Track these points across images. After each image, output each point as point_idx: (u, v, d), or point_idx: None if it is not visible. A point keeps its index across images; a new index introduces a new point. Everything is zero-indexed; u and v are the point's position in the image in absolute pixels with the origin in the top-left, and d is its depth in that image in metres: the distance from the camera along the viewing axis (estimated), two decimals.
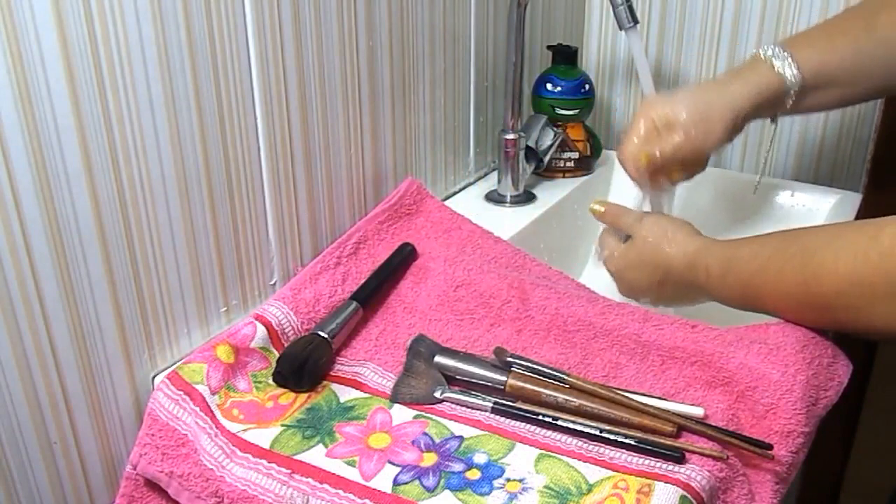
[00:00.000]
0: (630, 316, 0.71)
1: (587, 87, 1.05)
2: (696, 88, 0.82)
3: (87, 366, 0.61)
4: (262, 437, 0.61)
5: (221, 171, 0.67)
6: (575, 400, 0.63)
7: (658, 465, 0.58)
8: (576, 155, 1.06)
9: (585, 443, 0.60)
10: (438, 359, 0.68)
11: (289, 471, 0.58)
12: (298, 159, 0.74)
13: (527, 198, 1.00)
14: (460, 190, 1.02)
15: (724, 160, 1.17)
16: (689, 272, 0.73)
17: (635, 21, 0.88)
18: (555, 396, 0.63)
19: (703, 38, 1.14)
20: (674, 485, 0.55)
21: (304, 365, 0.66)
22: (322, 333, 0.68)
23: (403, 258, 0.79)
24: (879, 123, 1.07)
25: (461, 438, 0.61)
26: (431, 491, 0.56)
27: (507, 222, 0.94)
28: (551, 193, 1.02)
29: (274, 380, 0.67)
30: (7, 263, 0.54)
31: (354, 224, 0.82)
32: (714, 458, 0.58)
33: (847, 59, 0.78)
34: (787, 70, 0.78)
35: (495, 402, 0.64)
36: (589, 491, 0.56)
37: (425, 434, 0.62)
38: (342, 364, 0.70)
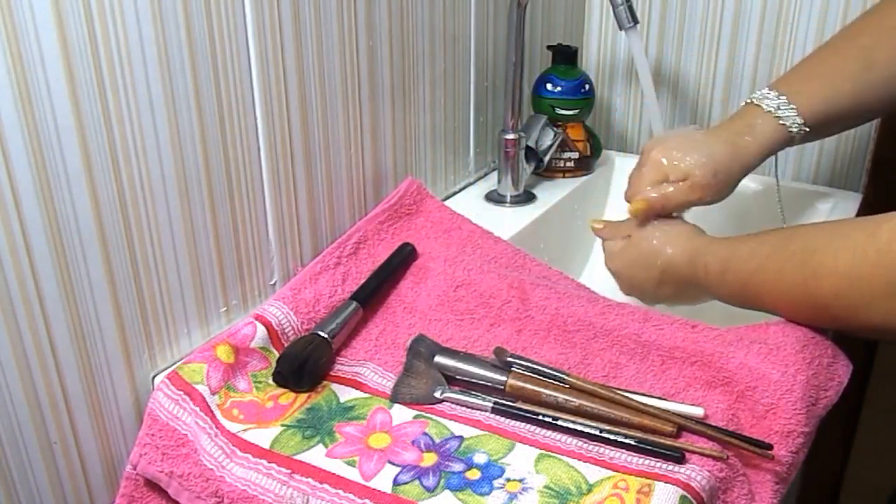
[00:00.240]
0: (630, 316, 0.71)
1: (587, 87, 1.05)
2: (705, 141, 0.79)
3: (87, 366, 0.61)
4: (262, 437, 0.61)
5: (221, 171, 0.67)
6: (575, 400, 0.63)
7: (658, 465, 0.58)
8: (576, 155, 1.06)
9: (585, 443, 0.60)
10: (438, 359, 0.68)
11: (289, 471, 0.58)
12: (298, 159, 0.74)
13: (527, 198, 1.00)
14: (460, 190, 1.02)
15: None
16: (689, 270, 0.74)
17: (635, 21, 0.88)
18: (555, 396, 0.63)
19: (703, 38, 1.14)
20: (674, 485, 0.55)
21: (304, 365, 0.66)
22: (322, 333, 0.68)
23: (403, 258, 0.79)
24: (879, 123, 1.07)
25: (461, 438, 0.61)
26: (431, 491, 0.56)
27: (507, 222, 0.94)
28: (551, 193, 1.02)
29: (274, 380, 0.67)
30: (7, 263, 0.54)
31: (354, 224, 0.82)
32: (714, 458, 0.58)
33: (848, 100, 0.78)
34: (794, 124, 0.77)
35: (495, 402, 0.64)
36: (589, 491, 0.56)
37: (425, 434, 0.62)
38: (342, 364, 0.70)
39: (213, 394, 0.63)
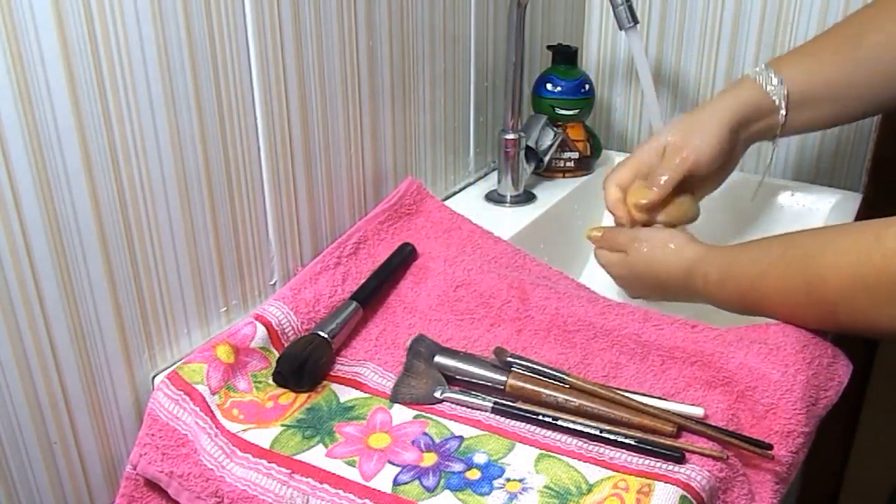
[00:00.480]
0: (630, 316, 0.71)
1: (587, 87, 1.05)
2: (683, 116, 0.83)
3: (87, 366, 0.61)
4: (262, 437, 0.61)
5: (221, 171, 0.67)
6: (575, 400, 0.63)
7: (658, 465, 0.58)
8: (576, 155, 1.06)
9: (585, 443, 0.60)
10: (438, 359, 0.68)
11: (289, 471, 0.58)
12: (298, 159, 0.74)
13: (527, 198, 1.00)
14: (460, 190, 1.02)
15: None
16: (687, 280, 0.73)
17: (635, 21, 0.88)
18: (555, 396, 0.63)
19: (703, 38, 1.14)
20: (674, 485, 0.55)
21: (304, 365, 0.66)
22: (322, 333, 0.68)
23: (403, 258, 0.79)
24: (879, 123, 1.07)
25: (461, 438, 0.61)
26: (431, 491, 0.56)
27: (507, 222, 0.94)
28: (551, 193, 1.02)
29: (274, 380, 0.67)
30: (7, 263, 0.54)
31: (354, 224, 0.82)
32: (714, 458, 0.58)
33: (833, 78, 0.78)
34: (770, 85, 0.78)
35: (495, 402, 0.64)
36: (589, 491, 0.56)
37: (425, 434, 0.62)
38: (342, 364, 0.70)
39: (213, 394, 0.63)
